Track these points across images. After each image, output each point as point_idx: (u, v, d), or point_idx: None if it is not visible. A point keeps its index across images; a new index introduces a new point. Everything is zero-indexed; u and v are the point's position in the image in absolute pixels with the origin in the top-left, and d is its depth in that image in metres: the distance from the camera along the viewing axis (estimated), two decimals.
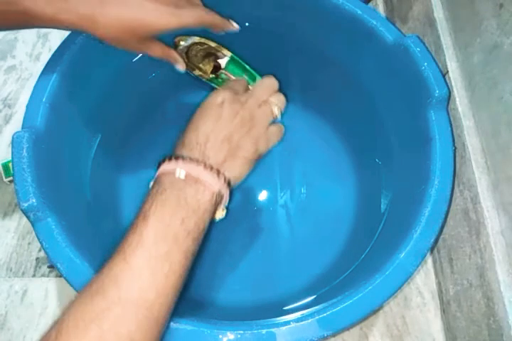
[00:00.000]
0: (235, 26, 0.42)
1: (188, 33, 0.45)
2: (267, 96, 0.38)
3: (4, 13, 0.33)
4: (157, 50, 0.39)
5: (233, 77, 0.45)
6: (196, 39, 0.45)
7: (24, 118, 0.38)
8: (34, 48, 0.65)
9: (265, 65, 0.47)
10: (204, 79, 0.46)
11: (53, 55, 0.41)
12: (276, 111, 0.38)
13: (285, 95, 0.54)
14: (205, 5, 0.42)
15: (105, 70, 0.46)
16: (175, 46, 0.44)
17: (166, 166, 0.32)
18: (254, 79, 0.47)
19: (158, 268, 0.27)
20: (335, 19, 0.44)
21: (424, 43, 0.40)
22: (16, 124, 0.59)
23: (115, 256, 0.28)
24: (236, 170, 0.34)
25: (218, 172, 0.32)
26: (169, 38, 0.43)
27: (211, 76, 0.46)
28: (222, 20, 0.40)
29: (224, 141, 0.34)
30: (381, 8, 0.65)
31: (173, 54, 0.40)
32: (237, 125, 0.35)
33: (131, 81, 0.49)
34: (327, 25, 0.46)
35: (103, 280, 0.27)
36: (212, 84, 0.47)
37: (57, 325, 0.26)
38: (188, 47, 0.44)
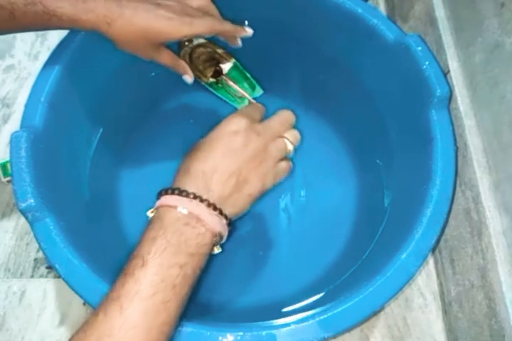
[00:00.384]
0: (248, 31, 0.41)
1: None
2: (283, 130, 0.36)
3: (25, 15, 0.33)
4: (167, 58, 0.39)
5: (233, 84, 0.45)
6: (202, 41, 0.44)
7: (22, 117, 0.38)
8: (33, 47, 0.64)
9: (265, 64, 0.47)
10: (203, 83, 0.46)
11: (52, 54, 0.41)
12: (290, 148, 0.36)
13: (285, 95, 0.54)
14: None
15: (104, 69, 0.45)
16: (180, 47, 0.44)
17: (169, 200, 0.31)
18: (253, 89, 0.46)
19: (154, 323, 0.26)
20: (335, 18, 0.44)
21: (425, 42, 0.40)
22: (14, 124, 0.59)
23: (111, 304, 0.26)
24: (238, 207, 0.33)
25: (220, 211, 0.31)
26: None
27: (211, 80, 0.46)
28: (234, 27, 0.40)
29: (232, 175, 0.32)
30: (382, 7, 0.65)
31: (183, 63, 0.41)
32: (248, 157, 0.33)
33: (130, 80, 0.49)
34: (327, 24, 0.45)
35: (98, 330, 0.26)
36: (210, 89, 0.47)
37: None
38: (193, 49, 0.44)
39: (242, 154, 0.33)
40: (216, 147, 0.33)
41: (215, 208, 0.31)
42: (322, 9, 0.44)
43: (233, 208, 0.32)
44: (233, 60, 0.46)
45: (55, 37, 0.64)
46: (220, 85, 0.46)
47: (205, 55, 0.45)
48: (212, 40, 0.44)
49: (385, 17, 0.42)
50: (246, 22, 0.43)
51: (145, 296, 0.26)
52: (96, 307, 0.27)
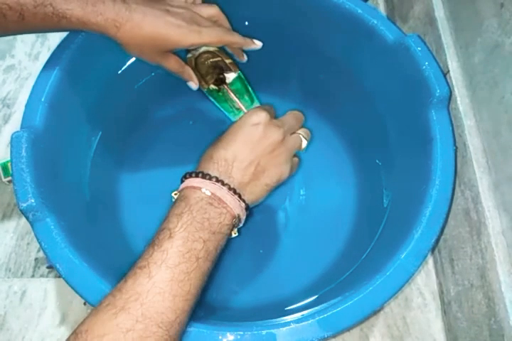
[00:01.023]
0: (258, 44, 0.42)
1: None
2: (297, 126, 0.39)
3: (34, 16, 0.33)
4: (173, 64, 0.40)
5: (233, 95, 0.45)
6: (210, 48, 0.44)
7: (23, 117, 0.38)
8: (33, 47, 0.64)
9: (265, 64, 0.47)
10: (203, 89, 0.46)
11: (52, 54, 0.41)
12: (305, 143, 0.39)
13: (285, 95, 0.54)
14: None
15: (105, 69, 0.45)
16: (187, 50, 0.44)
17: (193, 182, 0.33)
18: (252, 102, 0.46)
19: (179, 290, 0.28)
20: (335, 18, 0.44)
21: (425, 42, 0.40)
22: (14, 124, 0.59)
23: (140, 271, 0.28)
24: (255, 194, 0.35)
25: (240, 196, 0.33)
26: None
27: (212, 87, 0.46)
28: (243, 40, 0.41)
29: (251, 164, 0.34)
30: (382, 7, 0.65)
31: (188, 70, 0.41)
32: (266, 148, 0.35)
33: (131, 79, 0.49)
34: (327, 24, 0.45)
35: (128, 295, 0.27)
36: (209, 96, 0.46)
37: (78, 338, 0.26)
38: (200, 54, 0.44)
39: (261, 144, 0.35)
40: (238, 137, 0.35)
41: (235, 192, 0.33)
42: (322, 9, 0.44)
43: (251, 195, 0.35)
44: (238, 71, 0.45)
45: (55, 37, 0.64)
46: (220, 94, 0.46)
47: (210, 61, 0.45)
48: (221, 48, 0.44)
49: (385, 17, 0.42)
50: (246, 22, 0.43)
51: (171, 265, 0.28)
52: (124, 276, 0.29)
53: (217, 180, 0.33)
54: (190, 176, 0.34)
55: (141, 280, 0.28)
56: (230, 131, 0.36)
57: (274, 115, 0.39)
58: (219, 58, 0.44)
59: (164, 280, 0.28)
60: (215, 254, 0.31)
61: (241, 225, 0.35)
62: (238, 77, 0.45)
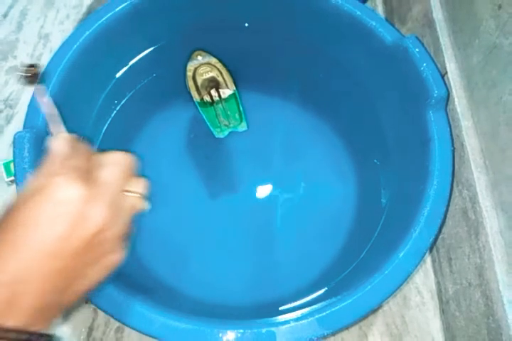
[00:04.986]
0: None
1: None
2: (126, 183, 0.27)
3: None
4: None
5: (224, 112, 0.44)
6: (213, 60, 0.44)
7: (25, 118, 0.38)
8: (35, 49, 0.65)
9: (265, 65, 0.48)
10: (195, 99, 0.46)
11: (54, 56, 0.41)
12: (145, 205, 0.28)
13: (285, 95, 0.54)
14: (205, 9, 0.42)
15: (106, 70, 0.46)
16: (190, 58, 0.44)
17: None
18: (240, 122, 0.46)
19: None
20: (334, 20, 0.44)
21: (423, 44, 0.41)
22: (17, 124, 0.59)
23: None
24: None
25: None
26: (188, 46, 0.43)
27: (206, 100, 0.45)
28: None
29: None
30: (380, 9, 0.65)
31: None
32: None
33: (131, 81, 0.49)
34: (326, 25, 0.46)
35: None
36: (199, 108, 0.46)
37: None
38: (201, 64, 0.44)
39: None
40: None
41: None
42: (321, 11, 0.44)
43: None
44: (234, 88, 0.45)
45: (57, 39, 0.65)
46: (212, 108, 0.46)
47: (208, 74, 0.45)
48: (222, 62, 0.44)
49: (383, 19, 0.43)
50: (246, 24, 0.43)
51: None
52: None
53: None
54: None
55: None
56: None
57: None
58: (218, 73, 0.44)
59: None
60: None
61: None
62: (233, 95, 0.45)
